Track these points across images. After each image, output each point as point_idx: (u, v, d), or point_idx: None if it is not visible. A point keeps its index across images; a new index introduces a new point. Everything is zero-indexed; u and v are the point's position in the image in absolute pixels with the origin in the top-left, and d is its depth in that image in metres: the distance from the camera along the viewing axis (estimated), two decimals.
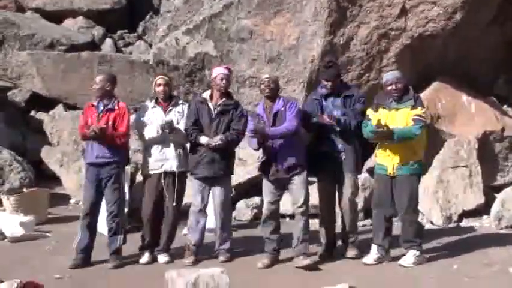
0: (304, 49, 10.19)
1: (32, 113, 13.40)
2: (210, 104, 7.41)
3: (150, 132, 7.41)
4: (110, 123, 7.29)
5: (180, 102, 7.72)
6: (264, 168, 7.19)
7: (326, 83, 7.37)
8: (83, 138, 7.67)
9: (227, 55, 10.90)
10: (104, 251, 7.43)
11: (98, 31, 16.11)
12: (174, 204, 7.38)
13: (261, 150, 7.28)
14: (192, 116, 7.41)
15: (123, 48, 15.98)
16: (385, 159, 7.03)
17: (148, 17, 16.69)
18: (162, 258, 7.44)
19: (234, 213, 9.79)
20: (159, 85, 7.57)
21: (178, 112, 7.54)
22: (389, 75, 7.16)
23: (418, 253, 6.97)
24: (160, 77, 7.72)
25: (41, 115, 13.17)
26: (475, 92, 10.52)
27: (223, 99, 7.43)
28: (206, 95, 7.54)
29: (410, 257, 6.94)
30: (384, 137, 6.89)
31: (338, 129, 7.18)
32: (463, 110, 10.24)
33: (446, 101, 10.21)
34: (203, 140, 7.28)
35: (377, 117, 7.00)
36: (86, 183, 7.43)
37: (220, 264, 6.95)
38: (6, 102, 13.32)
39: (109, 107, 7.37)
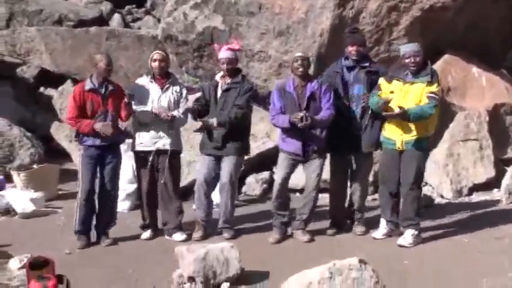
0: (313, 23, 10.11)
1: (41, 89, 13.42)
2: (221, 83, 7.36)
3: (143, 115, 7.29)
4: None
5: (179, 80, 7.61)
6: (301, 149, 7.07)
7: (351, 48, 7.18)
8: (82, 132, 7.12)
9: (236, 29, 10.83)
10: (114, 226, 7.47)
11: (106, 6, 16.07)
12: (172, 182, 7.31)
13: (284, 131, 7.17)
14: (201, 98, 7.42)
15: (131, 24, 15.95)
16: (393, 133, 6.88)
17: None
18: (178, 236, 7.37)
19: (243, 188, 9.82)
20: (155, 60, 7.35)
21: (176, 91, 7.39)
22: (408, 48, 6.93)
23: (416, 232, 6.86)
24: (156, 52, 7.49)
25: (49, 91, 13.18)
26: (485, 65, 10.44)
27: (230, 78, 7.34)
28: (218, 76, 7.47)
29: (409, 236, 6.82)
30: (396, 117, 6.72)
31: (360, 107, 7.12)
32: (474, 82, 10.17)
33: (457, 73, 10.13)
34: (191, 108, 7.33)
35: (389, 87, 6.88)
36: (84, 163, 7.13)
37: (227, 240, 6.95)
38: (15, 79, 13.32)
39: (111, 88, 7.17)
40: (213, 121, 7.14)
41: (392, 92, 6.86)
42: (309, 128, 6.91)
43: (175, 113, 7.27)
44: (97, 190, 7.23)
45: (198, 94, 7.67)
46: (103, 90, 7.11)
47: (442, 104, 9.67)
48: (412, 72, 6.82)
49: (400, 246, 6.78)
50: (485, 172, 9.28)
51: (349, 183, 7.49)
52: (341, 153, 7.30)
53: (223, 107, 7.26)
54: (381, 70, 7.29)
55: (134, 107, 7.28)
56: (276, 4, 10.42)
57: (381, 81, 7.01)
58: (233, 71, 7.40)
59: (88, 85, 7.09)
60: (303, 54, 7.28)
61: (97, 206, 7.27)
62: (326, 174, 7.59)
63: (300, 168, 7.34)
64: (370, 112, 7.08)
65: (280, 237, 7.18)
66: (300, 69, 7.05)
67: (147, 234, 7.45)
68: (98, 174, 7.21)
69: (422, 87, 6.74)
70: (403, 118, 6.68)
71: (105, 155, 7.16)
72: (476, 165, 9.30)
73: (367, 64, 7.21)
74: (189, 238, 7.32)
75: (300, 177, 7.76)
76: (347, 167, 7.37)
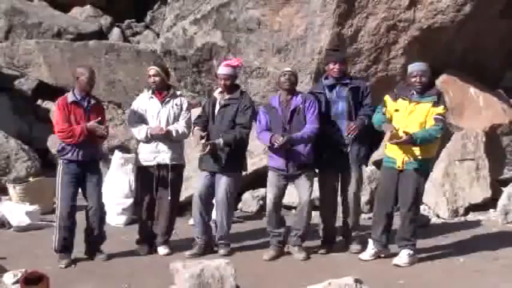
0: (312, 40, 10.14)
1: (39, 101, 13.41)
2: (217, 100, 7.36)
3: (140, 135, 7.31)
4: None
5: (179, 93, 7.60)
6: (285, 164, 7.08)
7: (333, 66, 7.22)
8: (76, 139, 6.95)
9: (235, 45, 10.86)
10: (109, 241, 7.44)
11: (105, 20, 16.09)
12: (169, 197, 7.31)
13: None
14: (201, 113, 7.45)
15: (130, 38, 15.96)
16: (395, 152, 6.83)
17: (156, 6, 16.63)
18: (162, 250, 7.39)
19: (239, 205, 9.81)
20: (149, 76, 7.38)
21: (176, 105, 7.38)
22: (415, 67, 6.89)
23: (411, 252, 6.81)
24: (151, 67, 7.50)
25: (47, 104, 13.17)
26: (483, 85, 10.47)
27: (228, 95, 7.33)
28: (217, 92, 7.47)
29: (404, 256, 6.78)
30: (403, 143, 6.64)
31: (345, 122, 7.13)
32: (471, 102, 10.19)
33: (454, 93, 10.15)
34: (196, 131, 7.27)
35: (394, 106, 6.86)
36: (64, 180, 6.98)
37: (222, 257, 6.92)
38: (13, 91, 13.32)
39: (94, 102, 7.12)
40: (220, 141, 7.11)
41: (397, 111, 6.84)
42: (290, 146, 6.94)
43: (171, 127, 7.27)
44: (82, 207, 7.15)
45: (198, 109, 7.68)
46: (85, 104, 7.04)
47: None
48: (418, 92, 6.79)
49: (396, 266, 6.75)
50: (482, 192, 9.29)
51: (340, 201, 7.46)
52: (329, 169, 7.28)
53: (221, 123, 7.24)
54: (361, 85, 7.33)
55: (131, 128, 7.38)
56: (275, 21, 10.45)
57: (386, 98, 6.99)
58: (231, 87, 7.39)
59: (70, 98, 7.01)
60: (291, 70, 7.37)
61: (85, 224, 7.17)
62: (317, 192, 7.58)
63: (293, 186, 7.33)
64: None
65: (275, 254, 7.16)
66: (286, 84, 7.09)
67: (144, 250, 7.40)
68: (80, 192, 7.14)
69: (428, 107, 6.71)
70: (410, 143, 6.63)
71: (85, 172, 7.06)
72: (472, 186, 9.30)
73: (348, 81, 7.24)
74: (171, 253, 7.31)
75: (295, 195, 7.74)
76: (335, 184, 7.35)
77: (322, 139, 7.13)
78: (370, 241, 7.04)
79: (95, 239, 7.21)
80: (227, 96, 7.33)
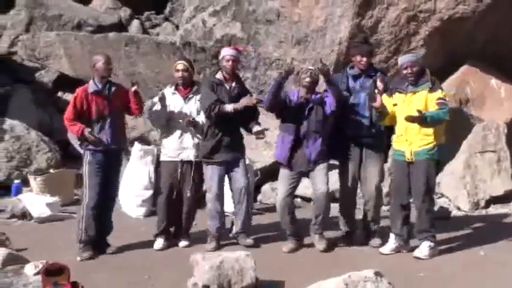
0: (331, 31, 10.11)
1: (59, 93, 13.48)
2: (226, 85, 7.26)
3: (157, 116, 7.32)
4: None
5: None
6: (286, 158, 7.05)
7: (360, 58, 7.16)
8: (77, 134, 7.03)
9: (254, 37, 10.85)
10: (125, 232, 7.47)
11: (125, 12, 16.13)
12: (189, 193, 7.30)
13: (280, 139, 7.19)
14: (211, 95, 7.12)
15: (149, 30, 15.99)
16: (402, 145, 6.83)
17: None
18: (182, 242, 7.41)
19: (259, 197, 9.81)
20: (178, 71, 7.36)
21: (199, 101, 7.33)
22: (404, 59, 6.88)
23: (432, 244, 6.76)
24: (179, 62, 7.52)
25: (68, 96, 13.23)
26: (504, 76, 10.37)
27: (234, 82, 7.31)
28: (219, 76, 7.34)
29: (425, 248, 6.73)
30: (415, 120, 6.58)
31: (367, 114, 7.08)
32: (492, 94, 10.12)
33: (475, 84, 10.10)
34: (229, 107, 7.07)
35: (391, 101, 6.85)
36: (91, 170, 6.98)
37: (245, 248, 6.92)
38: (34, 83, 13.40)
39: (114, 89, 7.09)
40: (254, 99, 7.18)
41: (395, 105, 6.84)
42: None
43: (198, 119, 7.28)
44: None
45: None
46: (106, 92, 7.04)
47: (460, 115, 9.67)
48: (411, 83, 6.80)
49: (416, 258, 6.71)
50: (503, 184, 9.22)
51: (362, 193, 7.44)
52: (350, 161, 7.23)
53: (235, 112, 7.13)
54: (385, 78, 7.28)
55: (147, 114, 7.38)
56: (295, 12, 10.42)
57: (383, 96, 6.94)
58: (234, 74, 7.39)
59: (91, 87, 7.01)
60: (314, 68, 7.23)
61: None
62: (336, 185, 7.58)
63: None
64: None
65: (294, 247, 7.14)
66: (307, 79, 7.00)
67: (159, 244, 7.33)
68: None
69: (425, 94, 6.71)
70: (421, 121, 6.59)
71: (110, 160, 7.08)
72: (493, 178, 9.24)
73: (373, 73, 7.19)
74: (190, 245, 7.32)
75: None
76: (355, 175, 7.29)
77: (342, 129, 7.10)
78: (392, 235, 6.98)
79: (107, 229, 7.20)
80: (233, 84, 7.29)
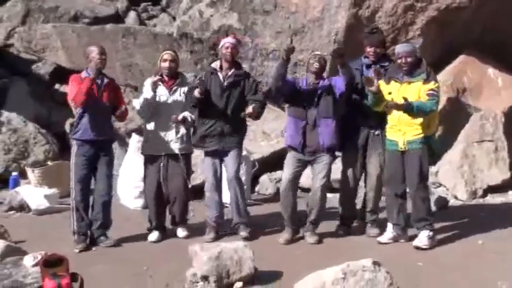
0: (328, 21, 10.10)
1: (56, 86, 13.45)
2: (220, 74, 7.24)
3: (146, 106, 7.22)
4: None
5: (188, 81, 7.52)
6: (300, 143, 7.04)
7: (369, 49, 7.17)
8: (82, 104, 6.92)
9: (251, 27, 10.83)
10: (124, 224, 7.47)
11: (121, 3, 16.04)
12: (181, 183, 7.26)
13: (287, 125, 7.19)
14: (201, 84, 7.09)
15: (146, 21, 15.93)
16: (395, 134, 6.83)
17: None
18: (181, 232, 7.39)
19: (257, 187, 9.81)
20: (165, 60, 7.27)
21: (184, 93, 7.28)
22: (400, 48, 6.88)
23: (431, 233, 6.76)
24: (166, 51, 7.45)
25: (65, 88, 13.20)
26: (502, 65, 10.37)
27: (233, 69, 7.27)
28: (215, 65, 7.36)
29: (424, 237, 6.73)
30: (400, 108, 6.62)
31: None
32: (490, 83, 10.12)
33: (473, 74, 10.10)
34: (196, 92, 6.99)
35: (387, 88, 6.84)
36: (78, 162, 6.97)
37: (243, 239, 6.91)
38: (30, 75, 13.36)
39: (107, 81, 7.08)
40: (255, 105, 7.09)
41: (390, 93, 6.83)
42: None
43: (185, 114, 7.19)
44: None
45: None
46: (99, 82, 7.00)
47: (457, 104, 9.67)
48: (406, 73, 6.80)
49: (416, 248, 6.70)
50: (501, 174, 9.24)
51: (363, 184, 7.44)
52: (354, 152, 7.25)
53: (229, 100, 7.17)
54: (381, 70, 7.24)
55: (135, 100, 7.33)
56: (292, 3, 10.41)
57: (380, 82, 6.94)
58: (234, 62, 7.34)
59: (84, 75, 6.99)
60: (321, 54, 7.28)
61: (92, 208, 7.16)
62: (338, 174, 7.56)
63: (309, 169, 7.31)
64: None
65: (290, 237, 7.15)
66: (316, 65, 7.02)
67: (154, 236, 7.32)
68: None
69: (419, 86, 6.72)
70: (407, 109, 6.60)
71: (98, 152, 7.05)
72: (491, 167, 9.26)
73: (386, 64, 7.17)
74: (191, 236, 7.29)
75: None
76: (358, 165, 7.30)
77: (352, 118, 7.12)
78: (389, 225, 7.00)
79: (103, 223, 7.15)
80: (230, 72, 7.24)
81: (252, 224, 7.53)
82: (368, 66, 7.20)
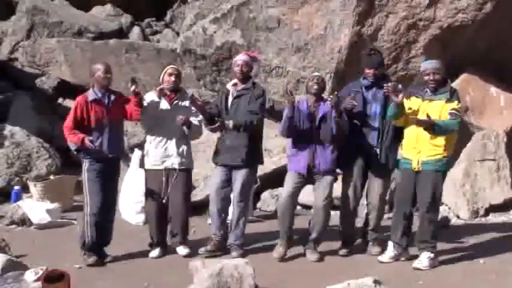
0: (331, 39, 10.13)
1: (60, 100, 13.50)
2: (231, 92, 7.32)
3: (149, 111, 7.20)
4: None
5: (187, 94, 7.49)
6: (306, 167, 7.04)
7: (368, 71, 7.18)
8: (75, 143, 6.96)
9: (254, 44, 10.87)
10: (125, 239, 7.47)
11: (125, 19, 16.17)
12: (181, 200, 7.24)
13: (290, 144, 7.20)
14: (213, 106, 7.33)
15: (150, 36, 16.03)
16: (410, 153, 6.79)
17: (176, 5, 16.69)
18: (182, 250, 7.32)
19: (258, 204, 9.80)
20: (171, 74, 7.26)
21: (185, 107, 7.29)
22: (428, 64, 6.84)
23: (432, 255, 6.73)
24: (171, 66, 7.45)
25: (68, 102, 13.24)
26: (504, 85, 10.38)
27: (243, 85, 7.31)
28: (229, 85, 7.43)
29: (424, 259, 6.70)
30: (423, 124, 6.58)
31: (376, 125, 7.09)
32: (492, 102, 10.13)
33: (475, 93, 10.10)
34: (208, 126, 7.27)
35: (408, 104, 6.78)
36: (91, 177, 6.97)
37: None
38: (34, 89, 13.42)
39: (114, 98, 7.07)
40: (229, 122, 7.10)
41: (410, 109, 6.78)
42: (321, 139, 6.96)
43: (192, 118, 7.21)
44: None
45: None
46: (106, 101, 7.02)
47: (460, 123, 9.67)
48: (431, 90, 6.75)
49: (416, 269, 6.66)
50: (503, 193, 9.22)
51: (365, 203, 7.43)
52: (355, 171, 7.23)
53: (235, 113, 7.20)
54: (397, 86, 7.25)
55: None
56: (295, 20, 10.45)
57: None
58: (246, 77, 7.37)
59: (91, 96, 6.99)
60: (320, 75, 7.36)
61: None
62: (338, 192, 7.54)
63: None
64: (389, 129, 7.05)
65: (284, 251, 7.12)
66: (315, 87, 7.07)
67: (155, 252, 7.30)
68: None
69: (442, 104, 6.66)
70: (429, 127, 6.55)
71: (109, 167, 7.08)
72: (493, 186, 9.24)
73: (385, 84, 7.19)
74: (192, 253, 7.22)
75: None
76: (361, 185, 7.29)
77: (351, 138, 7.09)
78: (390, 243, 6.98)
79: (105, 238, 7.17)
80: (240, 87, 7.30)
81: (254, 240, 7.52)
82: (368, 88, 7.21)
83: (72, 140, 6.96)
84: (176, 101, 7.31)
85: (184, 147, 7.29)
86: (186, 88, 8.92)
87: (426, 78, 6.78)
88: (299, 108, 7.10)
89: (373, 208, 7.27)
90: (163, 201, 7.25)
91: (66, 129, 7.00)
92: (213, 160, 7.45)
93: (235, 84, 7.37)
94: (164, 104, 7.29)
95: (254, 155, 7.33)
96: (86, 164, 7.03)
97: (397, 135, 7.09)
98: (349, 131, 7.06)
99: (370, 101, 7.16)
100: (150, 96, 7.40)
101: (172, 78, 7.29)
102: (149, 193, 7.38)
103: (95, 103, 6.98)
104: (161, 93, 7.21)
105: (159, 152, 7.25)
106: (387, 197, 8.64)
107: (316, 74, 7.40)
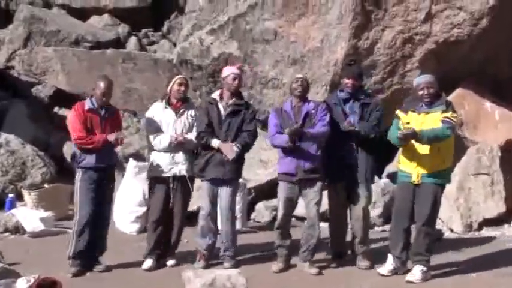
0: (328, 52, 10.17)
1: (56, 109, 13.51)
2: (220, 104, 7.26)
3: (162, 142, 7.23)
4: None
5: (194, 104, 7.56)
6: (295, 167, 7.03)
7: (347, 81, 7.20)
8: (93, 147, 6.99)
9: (251, 56, 10.90)
10: (119, 249, 7.46)
11: (123, 29, 16.22)
12: (181, 209, 7.28)
13: (279, 151, 7.23)
14: (204, 119, 7.22)
15: (147, 47, 16.08)
16: (409, 166, 6.77)
17: (173, 16, 16.76)
18: (170, 261, 7.32)
19: (253, 215, 9.81)
20: (181, 84, 7.33)
21: (191, 116, 7.34)
22: (422, 79, 6.85)
23: (425, 269, 6.70)
24: (180, 76, 7.54)
25: (64, 111, 13.25)
26: (499, 99, 10.42)
27: (234, 99, 7.28)
28: (216, 95, 7.39)
29: (417, 272, 6.66)
30: (409, 138, 6.61)
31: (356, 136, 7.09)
32: (487, 116, 10.15)
33: (470, 107, 10.12)
34: (215, 143, 7.10)
35: (406, 118, 6.81)
36: (83, 187, 7.00)
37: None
38: (30, 98, 13.43)
39: (109, 112, 7.14)
40: (238, 147, 7.11)
41: (408, 123, 6.78)
42: (301, 141, 6.94)
43: (189, 136, 7.25)
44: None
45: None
46: (102, 113, 7.07)
47: (454, 137, 9.69)
48: (426, 104, 6.76)
49: (409, 282, 6.64)
50: (496, 207, 9.23)
51: (349, 215, 7.41)
52: (338, 184, 7.24)
53: (229, 129, 7.18)
54: (372, 102, 7.30)
55: (151, 137, 7.31)
56: (292, 32, 10.49)
57: (398, 112, 6.95)
58: (236, 91, 7.38)
59: (88, 105, 7.04)
60: (303, 76, 7.40)
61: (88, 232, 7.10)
62: (327, 205, 7.54)
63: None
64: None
65: (284, 266, 7.14)
66: (299, 90, 7.10)
67: (148, 264, 7.23)
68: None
69: (438, 116, 6.66)
70: (416, 139, 6.57)
71: (102, 178, 7.08)
72: (487, 200, 9.24)
73: (361, 97, 7.23)
74: (177, 264, 7.24)
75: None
76: (344, 196, 7.28)
77: (332, 151, 7.11)
78: (390, 256, 6.93)
79: (99, 248, 7.18)
80: (231, 101, 7.26)
81: (247, 251, 7.52)
82: (345, 101, 7.23)
83: (94, 144, 6.92)
84: (182, 110, 7.35)
85: (190, 155, 7.34)
86: None
87: (421, 92, 6.78)
88: (283, 109, 7.16)
89: (356, 220, 7.23)
90: (170, 208, 7.27)
91: (80, 139, 6.98)
92: (198, 174, 7.31)
93: (222, 96, 7.32)
94: (171, 114, 7.33)
95: (240, 168, 7.38)
96: (79, 174, 7.06)
97: (375, 147, 7.13)
98: (329, 145, 7.07)
99: (348, 114, 7.17)
100: (156, 107, 7.47)
101: (182, 88, 7.36)
102: (156, 202, 7.34)
103: (91, 112, 7.02)
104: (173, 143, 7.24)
105: (167, 159, 7.25)
106: (382, 211, 8.71)
107: (300, 75, 7.41)
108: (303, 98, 7.17)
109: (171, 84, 7.41)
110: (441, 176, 6.76)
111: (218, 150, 7.10)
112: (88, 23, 16.34)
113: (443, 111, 6.68)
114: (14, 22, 15.04)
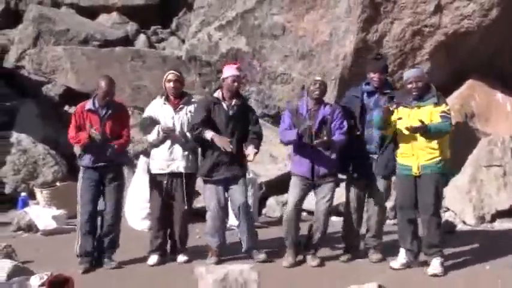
0: (336, 46, 10.15)
1: (66, 107, 13.53)
2: (224, 104, 7.22)
3: (151, 136, 7.23)
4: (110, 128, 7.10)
5: (193, 100, 7.51)
6: (310, 171, 7.03)
7: (373, 75, 7.15)
8: (81, 145, 7.10)
9: (259, 51, 10.89)
10: (130, 246, 7.50)
11: (131, 27, 16.21)
12: (185, 207, 7.23)
13: (292, 150, 7.19)
14: (201, 113, 7.13)
15: (156, 44, 16.07)
16: (408, 159, 6.77)
17: (181, 13, 16.72)
18: (180, 257, 7.32)
19: (264, 210, 9.81)
20: (169, 81, 7.29)
21: (190, 111, 7.30)
22: (410, 73, 6.86)
23: (443, 260, 6.70)
24: (171, 72, 7.45)
25: (74, 110, 13.28)
26: (510, 90, 10.37)
27: (235, 99, 7.24)
28: (217, 94, 7.32)
29: (437, 264, 6.63)
30: (418, 132, 6.58)
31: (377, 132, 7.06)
32: (498, 108, 10.11)
33: (481, 98, 10.09)
34: (208, 134, 7.00)
35: (396, 115, 6.78)
36: (84, 185, 7.09)
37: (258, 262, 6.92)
38: (40, 97, 13.46)
39: (112, 110, 7.12)
40: (255, 151, 7.13)
41: (400, 119, 6.79)
42: (321, 148, 6.91)
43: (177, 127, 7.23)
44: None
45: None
46: (103, 112, 7.07)
47: (466, 129, 9.66)
48: (415, 98, 6.77)
49: (434, 276, 6.57)
50: (509, 199, 9.18)
51: (366, 209, 7.39)
52: (355, 177, 7.24)
53: (234, 129, 7.17)
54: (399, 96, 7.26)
55: (142, 133, 7.34)
56: (300, 27, 10.47)
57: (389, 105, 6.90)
58: (237, 92, 7.37)
59: (89, 105, 7.09)
60: (321, 79, 7.32)
61: (99, 230, 7.20)
62: (342, 198, 7.55)
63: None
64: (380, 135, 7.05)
65: (294, 261, 7.14)
66: (316, 93, 7.05)
67: (153, 260, 7.25)
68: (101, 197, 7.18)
69: (430, 109, 6.68)
70: (424, 132, 6.57)
71: (105, 176, 7.11)
72: (499, 192, 9.20)
73: (388, 91, 7.19)
74: (190, 260, 7.24)
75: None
76: (361, 191, 7.26)
77: (353, 145, 7.08)
78: (402, 250, 6.92)
79: (109, 246, 7.19)
80: (233, 102, 7.23)
81: (259, 246, 7.52)
82: (370, 94, 7.20)
83: (79, 141, 7.04)
84: (181, 106, 7.33)
85: (189, 152, 7.29)
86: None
87: (409, 86, 6.79)
88: (299, 111, 7.11)
89: (372, 214, 7.24)
90: (169, 205, 7.26)
91: (72, 139, 7.19)
92: (206, 175, 7.23)
93: (224, 97, 7.26)
94: (169, 110, 7.31)
95: (246, 165, 7.44)
96: (81, 172, 7.15)
97: (395, 143, 7.09)
98: (349, 139, 7.05)
99: (372, 108, 7.12)
100: (155, 104, 7.44)
101: (171, 85, 7.31)
102: (153, 197, 7.39)
103: (91, 113, 7.06)
104: (164, 132, 7.21)
105: (165, 156, 7.24)
106: (393, 204, 8.65)
107: (318, 78, 7.33)
108: (320, 101, 7.13)
109: (163, 81, 7.42)
110: (440, 166, 6.74)
111: (212, 142, 7.03)
112: (97, 21, 16.34)
113: (436, 104, 6.70)
114: (23, 22, 15.07)
